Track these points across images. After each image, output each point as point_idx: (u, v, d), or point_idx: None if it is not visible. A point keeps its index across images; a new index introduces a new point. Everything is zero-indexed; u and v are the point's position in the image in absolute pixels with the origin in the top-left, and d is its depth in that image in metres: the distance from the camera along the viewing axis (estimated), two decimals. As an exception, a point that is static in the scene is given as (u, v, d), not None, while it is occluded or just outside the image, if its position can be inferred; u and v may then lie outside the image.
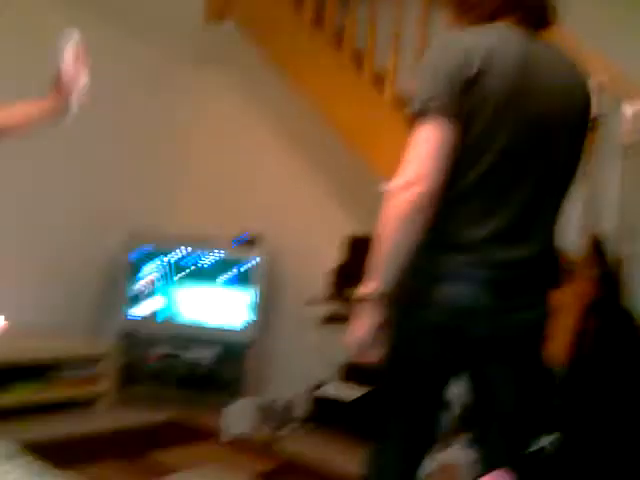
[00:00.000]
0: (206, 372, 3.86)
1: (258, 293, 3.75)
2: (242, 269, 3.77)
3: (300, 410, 3.62)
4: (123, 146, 4.11)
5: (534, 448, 2.14)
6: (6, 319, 3.33)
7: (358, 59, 3.26)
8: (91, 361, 3.49)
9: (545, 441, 2.29)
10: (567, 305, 2.37)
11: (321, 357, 3.61)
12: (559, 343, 2.36)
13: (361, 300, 1.44)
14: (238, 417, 3.30)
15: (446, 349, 1.48)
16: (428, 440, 1.62)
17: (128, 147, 4.14)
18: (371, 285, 1.42)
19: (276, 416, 3.38)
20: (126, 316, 3.76)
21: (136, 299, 3.78)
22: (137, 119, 4.15)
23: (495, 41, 1.44)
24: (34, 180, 3.64)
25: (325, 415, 3.41)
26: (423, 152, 1.38)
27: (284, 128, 4.11)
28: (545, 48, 1.52)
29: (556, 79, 1.48)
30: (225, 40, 4.03)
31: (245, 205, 4.16)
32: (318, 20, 3.39)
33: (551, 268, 1.57)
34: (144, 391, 3.82)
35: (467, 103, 1.39)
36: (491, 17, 1.50)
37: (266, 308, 3.86)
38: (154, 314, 3.78)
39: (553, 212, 1.55)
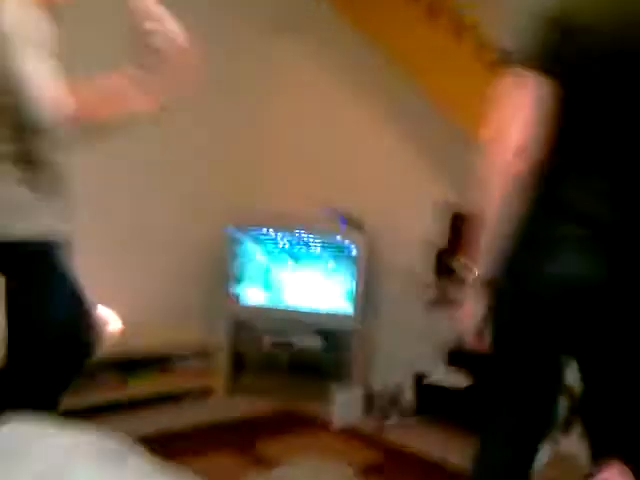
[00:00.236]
0: (314, 359, 3.85)
1: (361, 277, 3.68)
2: (345, 252, 3.70)
3: (407, 398, 3.52)
4: (205, 125, 4.02)
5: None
6: (119, 314, 3.42)
7: (457, 27, 3.10)
8: (204, 353, 3.57)
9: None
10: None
11: (427, 342, 3.49)
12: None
13: (467, 285, 1.37)
14: (346, 406, 3.26)
15: (558, 326, 1.35)
16: (541, 428, 1.49)
17: (210, 126, 4.06)
18: (476, 270, 1.35)
19: (383, 405, 3.31)
20: (235, 302, 3.79)
21: (243, 285, 3.80)
22: (218, 94, 4.00)
23: None
24: (129, 169, 3.65)
25: (433, 403, 3.29)
26: (526, 116, 1.24)
27: (371, 97, 3.90)
28: None
29: None
30: (304, 7, 3.94)
31: (338, 182, 4.00)
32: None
33: None
34: (253, 380, 3.86)
35: (567, 53, 1.26)
36: None
37: (370, 292, 3.78)
38: (261, 300, 3.79)
39: None
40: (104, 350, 3.05)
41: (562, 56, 1.26)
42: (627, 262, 1.33)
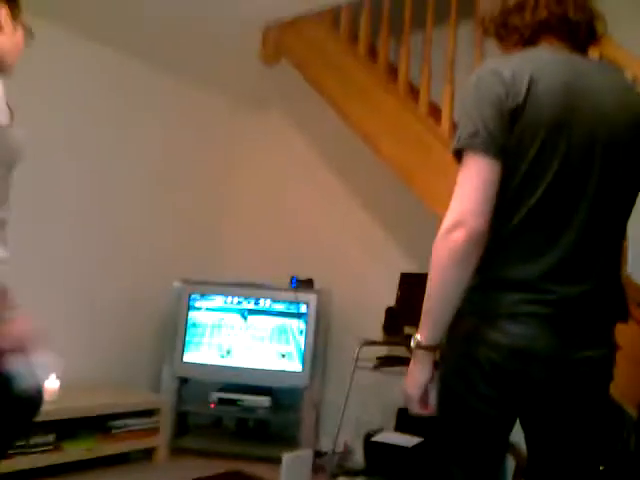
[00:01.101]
0: (261, 419, 3.76)
1: (311, 336, 3.64)
2: (295, 311, 3.67)
3: (356, 458, 3.46)
4: (172, 190, 4.16)
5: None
6: (59, 373, 3.28)
7: (413, 93, 3.19)
8: (148, 412, 3.43)
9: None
10: (636, 339, 2.18)
11: (377, 401, 3.45)
12: (631, 381, 2.16)
13: (414, 350, 1.38)
14: (294, 467, 3.16)
15: (504, 391, 1.36)
16: None
17: (177, 191, 4.19)
18: (423, 334, 1.37)
19: (332, 466, 3.23)
20: (180, 363, 3.69)
21: (189, 343, 3.71)
22: (188, 163, 4.22)
23: (538, 66, 1.36)
24: (74, 232, 3.64)
25: (382, 463, 3.23)
26: (467, 191, 1.33)
27: (336, 168, 4.08)
28: (593, 65, 1.46)
29: (607, 97, 1.39)
30: (278, 82, 4.06)
31: (298, 247, 4.13)
32: (372, 55, 3.35)
33: (615, 301, 1.43)
34: (199, 440, 3.75)
35: (514, 135, 1.33)
36: (533, 39, 1.45)
37: (321, 352, 3.74)
38: (208, 358, 3.70)
39: (614, 239, 1.43)
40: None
41: (508, 141, 1.33)
42: (576, 335, 1.35)
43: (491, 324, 1.34)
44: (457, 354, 1.39)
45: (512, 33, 1.48)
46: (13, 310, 1.41)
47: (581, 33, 1.46)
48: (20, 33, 1.74)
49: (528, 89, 1.32)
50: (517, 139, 1.33)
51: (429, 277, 1.35)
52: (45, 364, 1.34)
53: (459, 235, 1.30)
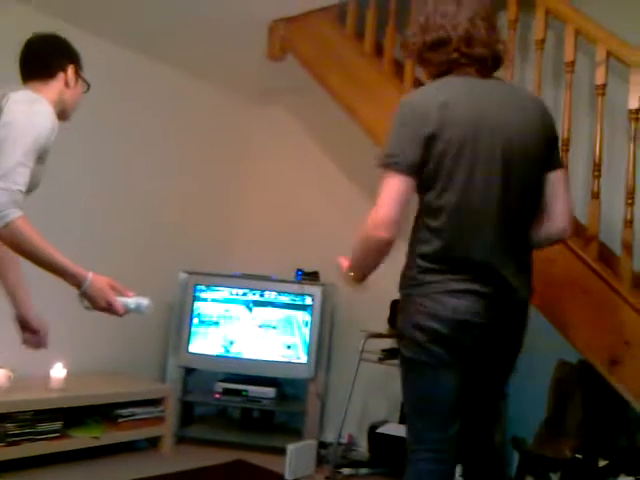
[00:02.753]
0: (266, 409, 3.80)
1: (316, 327, 3.68)
2: (301, 303, 3.71)
3: (360, 450, 3.50)
4: (179, 182, 4.21)
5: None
6: (65, 362, 3.31)
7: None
8: (153, 402, 3.46)
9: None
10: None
11: (381, 393, 3.48)
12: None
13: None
14: (298, 458, 3.21)
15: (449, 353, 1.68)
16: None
17: (184, 183, 4.23)
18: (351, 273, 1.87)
19: (336, 457, 3.27)
20: (186, 353, 3.73)
21: (196, 334, 3.75)
22: (194, 157, 4.27)
23: (449, 94, 1.67)
24: (94, 225, 3.72)
25: (386, 454, 3.27)
26: (387, 200, 1.67)
27: (342, 161, 4.10)
28: (498, 87, 1.76)
29: (510, 114, 1.70)
30: (284, 78, 4.07)
31: (303, 239, 4.16)
32: (378, 50, 3.37)
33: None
34: (204, 430, 3.79)
35: (431, 155, 1.65)
36: (446, 70, 1.75)
37: (326, 344, 3.78)
38: (214, 349, 3.74)
39: (523, 234, 1.77)
40: (45, 398, 3.00)
41: (424, 162, 1.65)
42: (500, 309, 1.70)
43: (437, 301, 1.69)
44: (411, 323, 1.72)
45: (428, 65, 1.81)
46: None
47: (487, 64, 1.75)
48: (80, 86, 2.02)
49: (441, 116, 1.63)
50: (435, 160, 1.64)
51: (355, 245, 1.77)
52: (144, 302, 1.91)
53: (378, 238, 1.67)
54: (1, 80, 1.82)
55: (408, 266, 1.76)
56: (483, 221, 1.67)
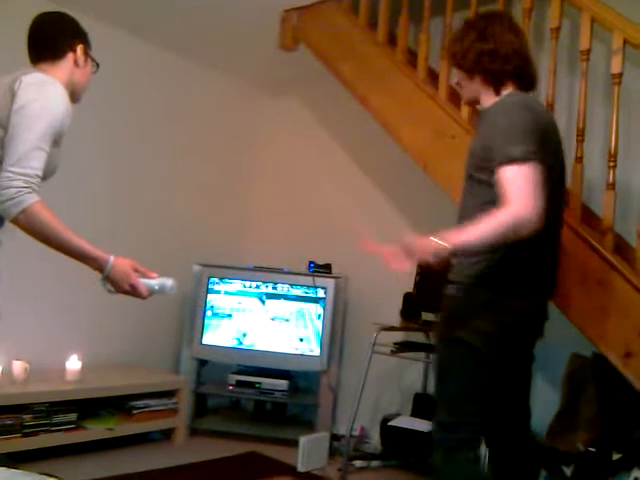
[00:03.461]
0: (279, 402, 3.80)
1: (329, 320, 3.67)
2: (313, 295, 3.70)
3: (373, 442, 3.49)
4: (193, 175, 4.21)
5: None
6: (80, 354, 3.33)
7: (432, 79, 3.17)
8: (167, 394, 3.48)
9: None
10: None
11: (394, 385, 3.47)
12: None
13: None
14: (311, 450, 3.20)
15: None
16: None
17: (198, 176, 4.23)
18: (451, 240, 1.72)
19: (349, 449, 3.26)
20: (199, 345, 3.74)
21: (208, 326, 3.76)
22: (207, 150, 4.27)
23: (539, 104, 1.98)
24: (107, 215, 3.73)
25: (399, 447, 3.26)
26: (534, 191, 1.69)
27: (355, 153, 4.08)
28: None
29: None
30: (297, 68, 4.05)
31: (316, 232, 4.15)
32: (391, 40, 3.33)
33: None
34: (217, 422, 3.81)
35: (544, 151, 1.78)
36: (500, 81, 1.93)
37: (339, 336, 3.77)
38: (227, 341, 3.75)
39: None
40: (61, 390, 3.03)
41: (543, 153, 1.76)
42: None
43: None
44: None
45: (482, 72, 1.94)
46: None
47: (532, 83, 1.99)
48: (90, 65, 1.94)
49: (545, 122, 1.85)
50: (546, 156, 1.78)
51: (486, 226, 1.70)
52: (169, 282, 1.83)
53: (528, 226, 1.67)
54: (7, 65, 1.81)
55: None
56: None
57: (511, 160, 1.72)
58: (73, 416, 3.06)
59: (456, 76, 2.04)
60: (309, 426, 3.70)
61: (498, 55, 1.90)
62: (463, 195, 1.98)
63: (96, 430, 3.14)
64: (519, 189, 1.69)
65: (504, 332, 1.83)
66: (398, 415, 3.39)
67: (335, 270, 3.82)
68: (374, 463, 3.32)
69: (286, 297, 3.74)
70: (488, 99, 1.96)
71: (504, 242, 1.71)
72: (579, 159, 2.50)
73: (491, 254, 1.80)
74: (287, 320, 3.72)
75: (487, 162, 1.80)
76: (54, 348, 3.41)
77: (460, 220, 1.92)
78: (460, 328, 1.84)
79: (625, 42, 2.41)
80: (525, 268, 1.85)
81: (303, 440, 3.17)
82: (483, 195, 1.84)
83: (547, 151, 1.79)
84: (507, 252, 1.79)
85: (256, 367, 3.76)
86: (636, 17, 2.43)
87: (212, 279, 3.78)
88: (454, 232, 1.75)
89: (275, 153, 4.50)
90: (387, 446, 3.33)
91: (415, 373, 3.56)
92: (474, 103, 2.07)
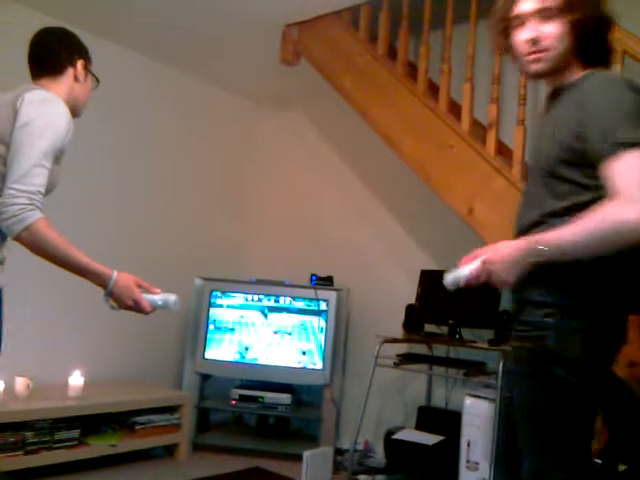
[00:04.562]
0: (282, 416, 3.78)
1: (332, 333, 3.66)
2: (317, 309, 3.69)
3: (377, 456, 3.46)
4: (194, 189, 4.22)
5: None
6: (83, 370, 3.32)
7: (432, 91, 3.18)
8: (170, 409, 3.47)
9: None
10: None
11: (398, 399, 3.44)
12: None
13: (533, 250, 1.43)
14: (315, 465, 3.18)
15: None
16: None
17: (199, 190, 4.24)
18: (541, 241, 1.42)
19: (353, 463, 3.24)
20: (202, 360, 3.73)
21: (211, 341, 3.75)
22: (209, 163, 4.28)
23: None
24: (109, 230, 3.73)
25: (403, 460, 3.24)
26: None
27: (356, 166, 4.10)
28: None
29: None
30: (298, 82, 4.07)
31: (318, 245, 4.15)
32: (391, 54, 3.35)
33: None
34: (220, 437, 3.78)
35: None
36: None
37: (341, 349, 3.76)
38: (229, 355, 3.73)
39: None
40: (63, 407, 3.01)
41: None
42: None
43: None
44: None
45: (592, 37, 1.58)
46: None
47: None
48: (90, 81, 1.95)
49: None
50: None
51: (587, 224, 1.39)
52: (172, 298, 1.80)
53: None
54: (8, 80, 1.81)
55: None
56: None
57: (627, 145, 1.40)
58: (76, 432, 3.04)
59: (538, 31, 1.56)
60: (313, 440, 3.68)
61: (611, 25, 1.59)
62: (530, 201, 1.60)
63: (99, 446, 3.12)
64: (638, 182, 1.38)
65: (598, 362, 1.53)
66: (402, 428, 3.36)
67: (337, 282, 3.82)
68: (378, 477, 3.29)
69: (288, 310, 3.73)
70: (572, 73, 1.59)
71: (611, 248, 1.38)
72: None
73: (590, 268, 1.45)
74: (289, 333, 3.71)
75: (577, 155, 1.48)
76: (56, 364, 3.40)
77: (526, 230, 1.55)
78: (555, 362, 1.50)
79: (624, 53, 2.42)
80: (624, 287, 1.50)
81: (307, 455, 3.15)
82: (570, 197, 1.50)
83: None
84: (607, 265, 1.45)
85: (259, 381, 3.74)
86: (636, 28, 2.44)
87: (214, 293, 3.78)
88: (545, 233, 1.44)
89: (277, 166, 4.52)
90: (391, 460, 3.30)
91: (419, 385, 3.54)
92: (548, 75, 1.62)
